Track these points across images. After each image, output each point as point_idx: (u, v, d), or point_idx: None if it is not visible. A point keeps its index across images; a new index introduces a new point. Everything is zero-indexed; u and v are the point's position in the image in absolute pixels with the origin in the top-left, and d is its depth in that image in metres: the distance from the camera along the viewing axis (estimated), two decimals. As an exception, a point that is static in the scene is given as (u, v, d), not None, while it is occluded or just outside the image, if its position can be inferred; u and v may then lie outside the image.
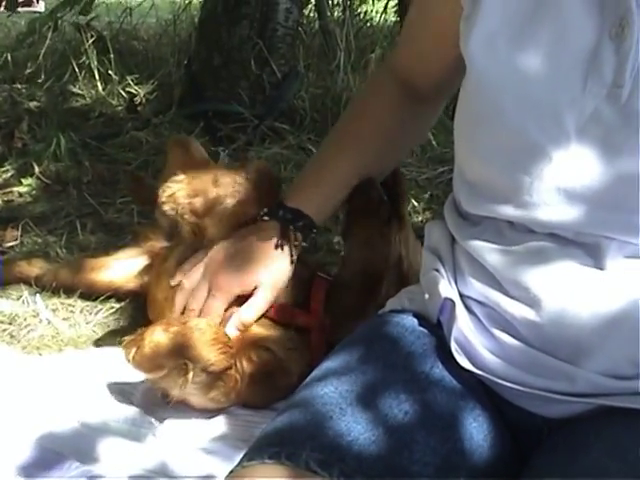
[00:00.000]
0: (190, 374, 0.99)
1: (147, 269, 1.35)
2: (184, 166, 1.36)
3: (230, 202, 1.13)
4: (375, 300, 1.09)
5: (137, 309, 1.34)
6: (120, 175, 1.92)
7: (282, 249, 1.09)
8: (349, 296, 1.13)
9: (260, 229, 1.11)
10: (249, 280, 1.07)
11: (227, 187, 1.14)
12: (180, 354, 0.99)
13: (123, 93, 2.42)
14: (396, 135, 1.13)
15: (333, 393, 0.81)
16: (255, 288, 1.08)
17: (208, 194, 1.13)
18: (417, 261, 1.11)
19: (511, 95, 0.80)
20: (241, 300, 1.08)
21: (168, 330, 1.00)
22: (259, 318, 1.09)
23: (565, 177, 0.79)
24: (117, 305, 1.40)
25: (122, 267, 1.39)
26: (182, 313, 1.10)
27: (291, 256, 1.10)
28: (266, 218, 1.11)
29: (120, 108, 2.37)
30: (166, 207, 1.12)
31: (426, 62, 1.03)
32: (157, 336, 0.99)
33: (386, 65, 1.15)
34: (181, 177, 1.14)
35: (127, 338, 1.00)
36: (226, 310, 1.08)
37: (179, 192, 1.12)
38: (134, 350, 0.99)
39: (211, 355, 1.00)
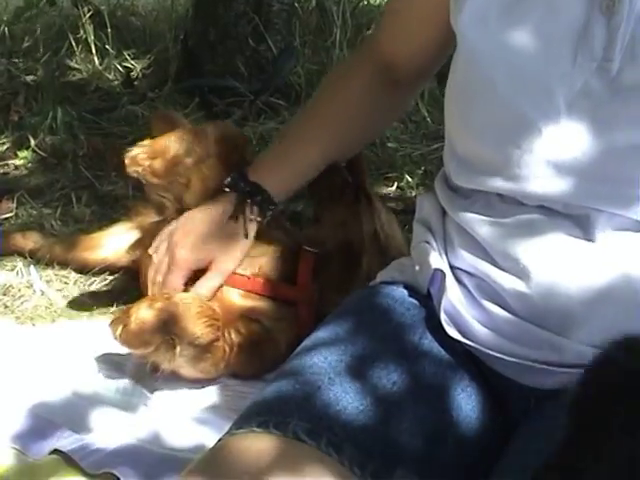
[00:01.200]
0: (177, 348, 0.99)
1: (138, 244, 1.34)
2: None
3: (189, 161, 1.13)
4: (358, 273, 1.10)
5: (131, 281, 1.33)
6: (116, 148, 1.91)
7: (236, 220, 1.08)
8: (334, 270, 1.13)
9: (218, 201, 1.09)
10: (203, 255, 1.07)
11: (186, 145, 1.14)
12: (166, 329, 0.99)
13: (120, 68, 2.40)
14: (367, 119, 1.11)
15: (322, 363, 0.80)
16: (210, 264, 1.07)
17: (166, 154, 1.13)
18: (393, 233, 1.16)
19: (502, 69, 0.80)
20: (200, 274, 1.08)
21: (153, 306, 1.00)
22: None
23: (555, 150, 0.78)
24: (110, 277, 1.39)
25: (114, 244, 1.39)
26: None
27: (245, 230, 1.08)
28: (227, 190, 1.10)
29: (116, 83, 2.35)
30: (129, 169, 1.13)
31: (409, 44, 1.01)
32: (142, 313, 0.99)
33: (366, 47, 1.12)
34: (146, 141, 1.14)
35: (114, 316, 1.01)
36: (186, 284, 1.08)
37: (140, 154, 1.12)
38: (121, 327, 0.99)
39: (197, 329, 1.00)
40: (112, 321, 1.01)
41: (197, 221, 1.09)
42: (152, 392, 1.08)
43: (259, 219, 1.09)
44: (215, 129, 1.17)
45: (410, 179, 1.84)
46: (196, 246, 1.07)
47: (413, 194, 1.80)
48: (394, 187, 1.82)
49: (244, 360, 1.07)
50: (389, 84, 1.07)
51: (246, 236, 1.09)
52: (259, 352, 1.08)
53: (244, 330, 1.06)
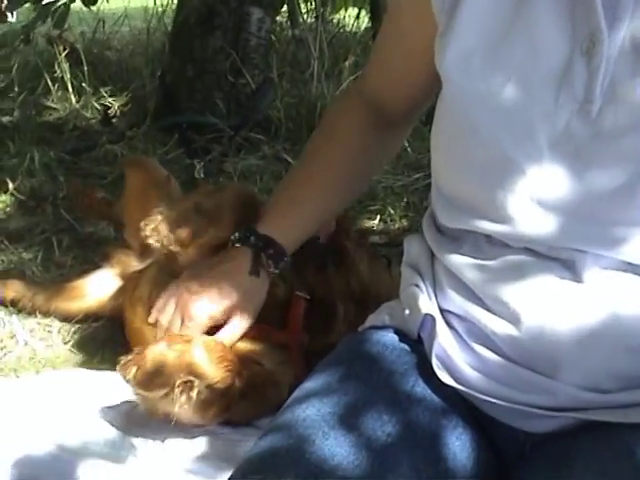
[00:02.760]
0: (194, 391, 0.97)
1: (121, 292, 1.34)
2: (144, 186, 1.35)
3: (213, 230, 1.12)
4: (335, 323, 1.11)
5: (115, 328, 1.32)
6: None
7: (257, 275, 1.07)
8: (319, 316, 1.13)
9: (232, 257, 1.09)
10: (222, 309, 1.05)
11: (210, 215, 1.12)
12: (186, 371, 0.97)
13: (97, 106, 2.40)
14: (363, 163, 1.11)
15: (315, 416, 0.80)
16: (229, 317, 1.06)
17: (191, 223, 1.11)
18: (376, 280, 1.17)
19: (485, 110, 0.80)
20: (214, 330, 1.07)
21: (172, 347, 0.98)
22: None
23: (538, 191, 0.78)
24: (95, 324, 1.38)
25: (96, 292, 1.39)
26: None
27: (266, 284, 1.08)
28: (238, 245, 1.09)
29: (94, 121, 2.35)
30: (151, 240, 1.10)
31: (396, 84, 1.01)
32: (161, 353, 0.97)
33: (355, 88, 1.13)
34: (161, 208, 1.12)
35: (124, 358, 0.99)
36: None
37: (161, 224, 1.10)
38: (134, 369, 0.97)
39: (218, 372, 0.99)
40: (123, 363, 0.98)
41: (214, 275, 1.07)
42: (141, 443, 1.06)
43: (275, 271, 1.09)
44: (235, 195, 1.16)
45: (392, 211, 1.85)
46: (215, 300, 1.05)
47: (396, 226, 1.80)
48: (377, 220, 1.83)
49: (245, 405, 1.06)
50: (381, 124, 1.08)
51: (266, 288, 1.08)
52: (261, 397, 1.06)
53: (247, 373, 1.04)
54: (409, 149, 2.06)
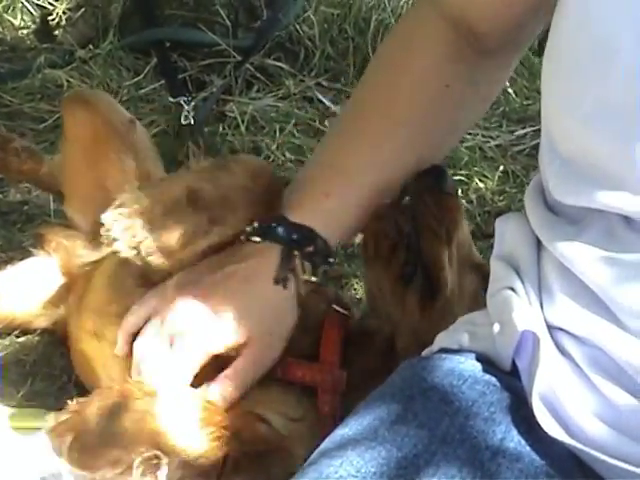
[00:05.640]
0: (163, 470, 0.98)
1: (62, 295, 1.36)
2: (93, 137, 1.36)
3: (217, 231, 1.11)
4: (390, 357, 1.12)
5: (51, 347, 1.35)
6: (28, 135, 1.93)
7: (284, 286, 1.08)
8: (366, 347, 1.15)
9: (248, 255, 1.09)
10: (233, 334, 1.06)
11: (212, 209, 1.11)
12: (149, 442, 0.98)
13: (31, 8, 2.41)
14: (450, 102, 1.14)
15: (354, 478, 0.81)
16: (242, 346, 1.07)
17: (185, 223, 1.10)
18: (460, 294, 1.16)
19: (628, 33, 0.81)
20: (219, 363, 1.07)
21: (128, 405, 0.99)
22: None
23: None
24: (20, 340, 1.41)
25: (26, 295, 1.41)
26: None
27: (298, 296, 1.10)
28: (257, 239, 1.10)
29: (27, 32, 2.37)
30: (121, 247, 1.08)
31: None
32: (107, 415, 0.98)
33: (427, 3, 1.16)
34: (135, 193, 1.10)
35: (54, 418, 0.99)
36: (196, 377, 1.06)
37: (136, 224, 1.07)
38: (69, 438, 0.97)
39: (199, 442, 0.99)
40: (54, 427, 0.99)
41: (216, 284, 1.08)
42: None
43: (314, 279, 1.11)
44: (249, 177, 1.14)
45: (481, 184, 1.86)
46: (221, 321, 1.05)
47: (486, 208, 1.81)
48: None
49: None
50: (471, 52, 1.11)
51: (299, 305, 1.10)
52: (265, 468, 1.06)
53: (248, 436, 1.04)
54: (510, 90, 2.06)
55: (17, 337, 1.41)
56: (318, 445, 0.92)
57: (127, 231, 1.07)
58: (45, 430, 0.99)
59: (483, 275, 1.14)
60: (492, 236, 1.01)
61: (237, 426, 1.04)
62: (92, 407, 0.99)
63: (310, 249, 1.10)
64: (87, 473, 0.99)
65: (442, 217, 1.14)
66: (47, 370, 1.29)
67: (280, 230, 1.10)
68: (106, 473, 0.99)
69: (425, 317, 1.14)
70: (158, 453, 0.98)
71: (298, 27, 2.25)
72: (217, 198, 1.11)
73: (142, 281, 1.16)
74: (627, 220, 0.85)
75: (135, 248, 1.08)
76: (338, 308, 1.18)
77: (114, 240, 1.08)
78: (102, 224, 1.07)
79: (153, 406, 0.99)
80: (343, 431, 0.89)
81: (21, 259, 1.46)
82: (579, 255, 0.86)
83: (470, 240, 1.22)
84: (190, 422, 1.00)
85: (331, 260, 1.11)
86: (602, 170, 0.85)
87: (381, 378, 1.00)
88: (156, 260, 1.09)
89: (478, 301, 1.11)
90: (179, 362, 1.05)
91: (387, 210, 1.14)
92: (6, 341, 1.40)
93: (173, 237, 1.09)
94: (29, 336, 1.41)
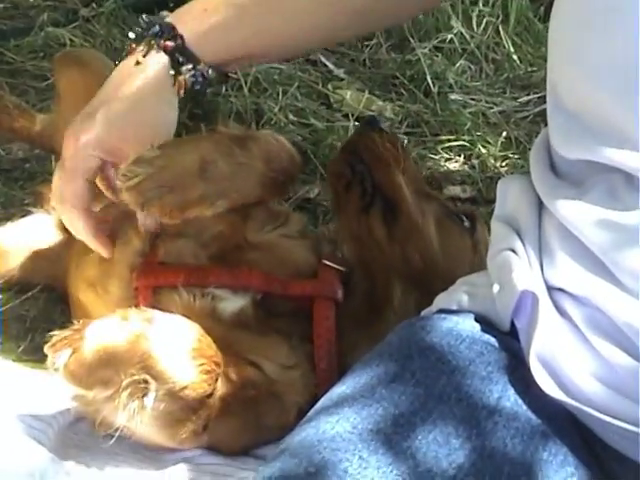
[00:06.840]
0: (150, 396, 0.99)
1: (61, 251, 1.36)
2: (85, 98, 1.36)
3: (221, 204, 1.14)
4: (385, 312, 1.15)
5: (51, 304, 1.35)
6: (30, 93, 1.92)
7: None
8: (358, 302, 1.17)
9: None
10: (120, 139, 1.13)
11: (220, 183, 1.14)
12: (140, 365, 0.99)
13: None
14: None
15: (350, 434, 0.82)
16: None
17: (191, 189, 1.13)
18: (449, 252, 1.21)
19: None
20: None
21: (124, 326, 1.00)
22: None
23: None
24: (21, 297, 1.42)
25: (24, 251, 1.42)
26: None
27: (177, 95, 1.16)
28: (132, 35, 1.17)
29: (30, -10, 2.37)
30: (128, 199, 1.11)
31: None
32: (106, 334, 0.99)
33: None
34: (153, 152, 1.13)
35: (55, 335, 1.00)
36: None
37: (147, 181, 1.11)
38: (67, 353, 0.99)
39: (188, 373, 1.00)
40: (52, 343, 1.00)
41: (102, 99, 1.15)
42: (80, 473, 1.08)
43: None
44: (264, 151, 1.18)
45: (484, 150, 1.85)
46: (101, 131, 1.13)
47: (489, 174, 1.81)
48: (459, 162, 1.84)
49: (230, 426, 1.08)
50: None
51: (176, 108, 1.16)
52: (254, 416, 1.08)
53: (237, 378, 1.06)
54: (514, 56, 2.05)
55: (17, 293, 1.42)
56: (313, 398, 0.93)
57: (135, 187, 1.11)
58: (46, 347, 1.01)
59: (440, 204, 1.26)
60: (494, 202, 1.01)
61: (228, 367, 1.06)
62: (91, 327, 1.00)
63: (170, 44, 1.14)
64: (82, 391, 1.01)
65: (387, 148, 1.24)
66: (47, 326, 1.29)
67: (156, 28, 1.15)
68: (98, 394, 1.00)
69: (394, 239, 1.20)
70: (147, 377, 0.99)
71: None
72: (227, 174, 1.14)
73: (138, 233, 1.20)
74: (628, 178, 0.85)
75: (140, 205, 1.11)
76: (329, 263, 1.19)
77: (122, 192, 1.11)
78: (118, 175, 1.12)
79: (148, 330, 1.00)
80: (340, 389, 0.89)
81: (22, 216, 1.47)
82: (580, 216, 0.86)
83: (420, 173, 1.32)
84: (182, 351, 1.01)
85: (200, 67, 1.17)
86: (606, 124, 0.85)
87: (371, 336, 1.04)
88: (160, 218, 1.13)
89: (444, 226, 1.23)
90: (65, 186, 1.14)
91: (339, 155, 1.26)
92: (6, 297, 1.41)
93: (178, 200, 1.12)
94: (29, 292, 1.42)
